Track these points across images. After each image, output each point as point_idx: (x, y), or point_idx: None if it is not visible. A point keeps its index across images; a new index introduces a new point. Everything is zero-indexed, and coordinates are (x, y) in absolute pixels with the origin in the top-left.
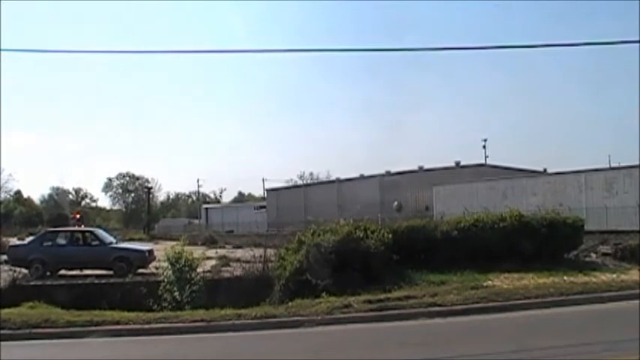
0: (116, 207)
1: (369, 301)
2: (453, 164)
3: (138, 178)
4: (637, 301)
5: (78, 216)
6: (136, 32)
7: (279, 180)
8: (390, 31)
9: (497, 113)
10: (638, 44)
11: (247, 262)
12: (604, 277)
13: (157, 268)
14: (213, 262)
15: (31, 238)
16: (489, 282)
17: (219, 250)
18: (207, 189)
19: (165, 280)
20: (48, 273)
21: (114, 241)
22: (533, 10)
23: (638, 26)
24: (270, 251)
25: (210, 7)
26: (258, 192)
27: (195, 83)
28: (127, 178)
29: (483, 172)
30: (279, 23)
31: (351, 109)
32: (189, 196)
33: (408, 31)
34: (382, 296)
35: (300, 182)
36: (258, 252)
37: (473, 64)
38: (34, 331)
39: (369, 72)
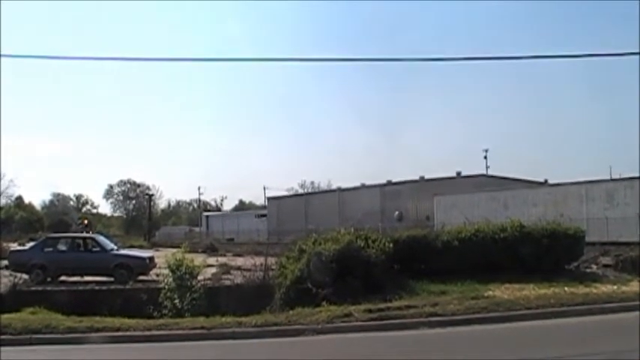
0: (117, 214)
1: (370, 311)
2: (454, 174)
3: (139, 185)
4: (637, 313)
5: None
6: (137, 37)
7: (280, 188)
8: (391, 36)
9: (498, 123)
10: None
11: (248, 270)
12: (605, 288)
13: (157, 275)
14: (213, 270)
15: (31, 243)
16: (490, 292)
17: (219, 258)
18: (208, 197)
19: (166, 287)
20: (49, 279)
21: (115, 247)
22: (536, 17)
23: (639, 33)
24: (271, 259)
25: (210, 13)
26: (259, 200)
27: (195, 90)
28: (128, 185)
29: (484, 182)
30: (280, 30)
31: (352, 117)
32: (190, 204)
33: (409, 36)
34: (383, 305)
35: (301, 191)
36: (259, 260)
37: (473, 73)
38: (35, 336)
39: (370, 80)
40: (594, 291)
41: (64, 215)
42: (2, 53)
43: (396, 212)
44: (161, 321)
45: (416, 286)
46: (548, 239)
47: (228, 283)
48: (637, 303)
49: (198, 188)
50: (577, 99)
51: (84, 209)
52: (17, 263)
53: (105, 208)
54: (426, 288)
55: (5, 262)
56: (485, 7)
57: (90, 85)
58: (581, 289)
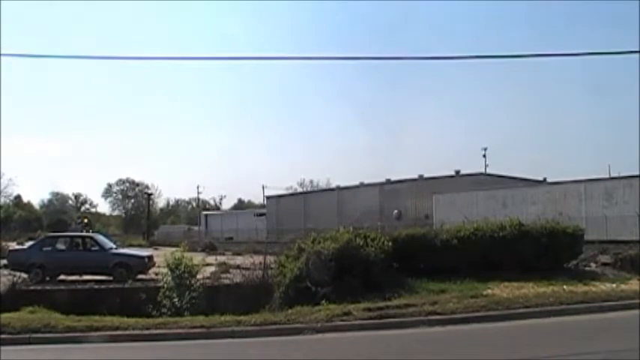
0: (116, 213)
1: (369, 309)
2: (453, 173)
3: (138, 184)
4: (637, 311)
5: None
6: (136, 37)
7: (279, 187)
8: (390, 35)
9: (498, 122)
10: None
11: (247, 268)
12: (604, 286)
13: (156, 274)
14: (212, 269)
15: (30, 242)
16: (489, 291)
17: (218, 257)
18: (207, 196)
19: (165, 286)
20: (47, 278)
21: (114, 246)
22: (536, 17)
23: (639, 33)
24: (270, 258)
25: (210, 12)
26: (258, 199)
27: (195, 89)
28: (127, 184)
29: (483, 180)
30: (279, 29)
31: (351, 116)
32: (188, 203)
33: (409, 36)
34: (382, 304)
35: (300, 190)
36: (258, 259)
37: (473, 72)
38: (34, 335)
39: (369, 78)
40: (593, 289)
41: (62, 214)
42: (2, 53)
43: (395, 211)
44: (160, 320)
45: (415, 284)
46: (547, 238)
47: (227, 282)
48: (636, 301)
49: (197, 187)
50: (577, 99)
51: (83, 208)
52: (16, 262)
53: (104, 207)
54: (425, 286)
55: (4, 262)
56: (485, 7)
57: (89, 85)
58: (580, 288)
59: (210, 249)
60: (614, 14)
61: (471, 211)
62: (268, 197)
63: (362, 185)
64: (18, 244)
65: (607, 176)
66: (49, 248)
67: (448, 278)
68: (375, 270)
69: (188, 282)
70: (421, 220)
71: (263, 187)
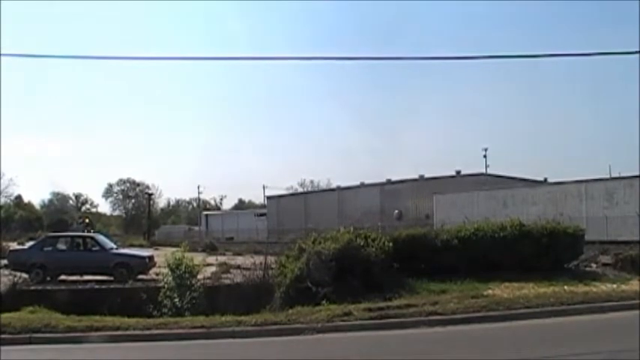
0: (116, 213)
1: (370, 309)
2: (453, 173)
3: (138, 184)
4: (637, 312)
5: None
6: (136, 36)
7: (279, 187)
8: (390, 35)
9: (498, 122)
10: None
11: (247, 269)
12: (604, 287)
13: (157, 274)
14: (213, 269)
15: (31, 242)
16: (490, 291)
17: (219, 257)
18: (208, 196)
19: (166, 286)
20: (48, 278)
21: (114, 246)
22: (537, 17)
23: (639, 34)
24: (271, 258)
25: (209, 11)
26: (259, 199)
27: (196, 88)
28: (128, 184)
29: (484, 181)
30: (279, 29)
31: (351, 116)
32: (189, 203)
33: (408, 35)
34: (382, 304)
35: (300, 190)
36: (259, 259)
37: (473, 72)
38: (34, 335)
39: (370, 79)
40: (594, 290)
41: (63, 214)
42: (2, 53)
43: (396, 211)
44: (161, 320)
45: (415, 284)
46: (548, 238)
47: (227, 282)
48: (636, 302)
49: (198, 187)
50: (577, 99)
51: (83, 208)
52: (17, 262)
53: (104, 207)
54: (425, 287)
55: (5, 262)
56: (485, 7)
57: (89, 85)
58: (581, 288)
59: (211, 249)
60: (614, 14)
61: (471, 211)
62: (269, 197)
63: (362, 185)
64: (19, 244)
65: (607, 176)
66: (50, 248)
67: (449, 278)
68: (376, 270)
69: (189, 282)
70: (422, 220)
71: (264, 187)
